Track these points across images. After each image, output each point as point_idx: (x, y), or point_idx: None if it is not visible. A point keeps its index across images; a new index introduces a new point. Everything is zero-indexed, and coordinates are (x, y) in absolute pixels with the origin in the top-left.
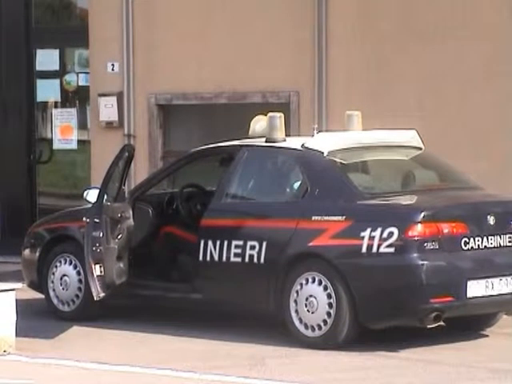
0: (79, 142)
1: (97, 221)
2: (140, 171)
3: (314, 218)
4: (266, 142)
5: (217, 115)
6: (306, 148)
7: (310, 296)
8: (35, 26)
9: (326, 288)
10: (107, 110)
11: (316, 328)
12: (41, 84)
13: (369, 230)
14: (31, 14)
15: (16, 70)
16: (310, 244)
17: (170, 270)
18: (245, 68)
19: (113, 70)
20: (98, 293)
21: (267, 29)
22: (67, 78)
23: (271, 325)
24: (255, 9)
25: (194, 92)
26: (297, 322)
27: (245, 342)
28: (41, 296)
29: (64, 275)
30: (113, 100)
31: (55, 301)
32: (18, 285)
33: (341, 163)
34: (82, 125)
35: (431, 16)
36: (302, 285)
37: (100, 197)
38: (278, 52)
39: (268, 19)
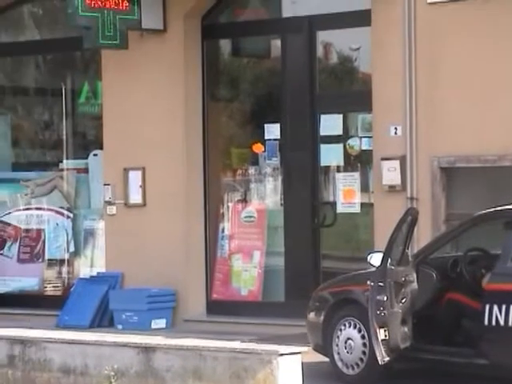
0: (362, 205)
1: (381, 284)
2: (422, 234)
3: None
4: None
5: (501, 178)
6: None
7: None
8: (319, 92)
9: None
10: (390, 173)
11: None
12: (325, 148)
13: None
14: (316, 80)
15: (301, 135)
16: None
17: (453, 335)
18: None
19: (395, 133)
20: (382, 357)
21: None
22: (350, 142)
23: None
24: None
25: (476, 154)
26: None
27: None
28: (325, 359)
29: (348, 338)
30: (396, 164)
31: (340, 364)
32: (304, 348)
33: None
34: (364, 188)
35: None
36: None
37: (384, 260)
38: None
39: None
